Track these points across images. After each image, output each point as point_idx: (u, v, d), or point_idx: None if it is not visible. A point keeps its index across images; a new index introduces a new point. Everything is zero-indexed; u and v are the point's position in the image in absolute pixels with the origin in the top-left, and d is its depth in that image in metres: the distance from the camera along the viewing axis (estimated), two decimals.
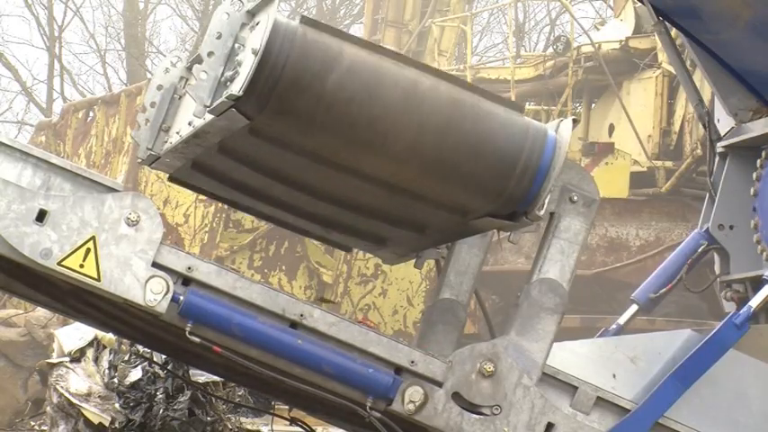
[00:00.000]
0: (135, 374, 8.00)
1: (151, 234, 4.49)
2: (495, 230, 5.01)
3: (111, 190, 4.55)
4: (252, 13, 4.49)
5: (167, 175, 5.22)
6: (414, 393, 4.67)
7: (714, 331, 5.10)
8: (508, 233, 4.89)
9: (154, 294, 4.47)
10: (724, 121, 6.70)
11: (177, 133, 4.95)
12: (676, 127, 15.41)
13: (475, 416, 4.72)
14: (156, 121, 5.12)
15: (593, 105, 16.63)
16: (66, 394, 8.33)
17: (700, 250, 6.53)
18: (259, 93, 4.35)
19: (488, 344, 4.78)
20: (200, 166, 4.99)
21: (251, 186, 5.00)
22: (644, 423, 4.91)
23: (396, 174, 4.60)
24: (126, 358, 8.21)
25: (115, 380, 8.11)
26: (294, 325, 4.62)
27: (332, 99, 4.42)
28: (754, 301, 5.41)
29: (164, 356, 7.38)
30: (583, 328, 12.58)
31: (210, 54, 4.43)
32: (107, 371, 8.32)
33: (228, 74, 4.40)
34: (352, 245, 5.54)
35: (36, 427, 12.61)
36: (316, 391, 4.65)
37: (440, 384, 4.70)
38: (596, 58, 15.79)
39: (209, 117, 4.47)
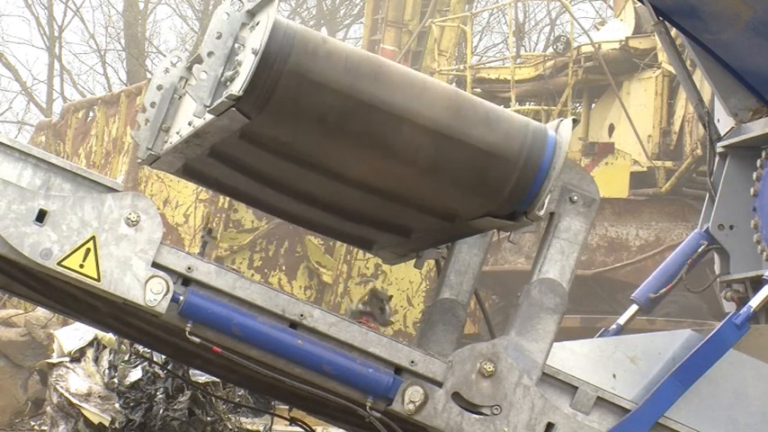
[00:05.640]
0: (135, 374, 8.00)
1: (151, 234, 4.49)
2: (495, 230, 5.01)
3: (111, 190, 4.54)
4: (252, 13, 4.49)
5: (180, 167, 5.15)
6: (414, 393, 4.66)
7: (714, 331, 5.09)
8: (508, 233, 4.89)
9: (154, 294, 4.46)
10: (724, 121, 6.69)
11: (177, 133, 4.94)
12: (676, 127, 15.39)
13: (475, 416, 4.71)
14: (156, 121, 5.12)
15: (593, 105, 16.62)
16: (66, 394, 8.32)
17: (700, 250, 6.52)
18: (259, 92, 4.35)
19: (488, 344, 4.77)
20: (218, 155, 4.94)
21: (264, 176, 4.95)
22: (644, 423, 4.91)
23: (397, 172, 4.60)
24: (126, 358, 8.20)
25: (115, 380, 8.10)
26: (294, 325, 4.61)
27: (333, 98, 4.43)
28: (754, 301, 5.40)
29: (164, 356, 7.37)
30: (583, 328, 12.60)
31: (210, 54, 4.43)
32: (107, 371, 8.31)
33: (228, 74, 4.41)
34: (376, 238, 5.48)
35: (36, 427, 12.61)
36: (316, 391, 4.65)
37: (440, 384, 4.69)
38: (596, 58, 15.78)
39: (209, 117, 4.47)
